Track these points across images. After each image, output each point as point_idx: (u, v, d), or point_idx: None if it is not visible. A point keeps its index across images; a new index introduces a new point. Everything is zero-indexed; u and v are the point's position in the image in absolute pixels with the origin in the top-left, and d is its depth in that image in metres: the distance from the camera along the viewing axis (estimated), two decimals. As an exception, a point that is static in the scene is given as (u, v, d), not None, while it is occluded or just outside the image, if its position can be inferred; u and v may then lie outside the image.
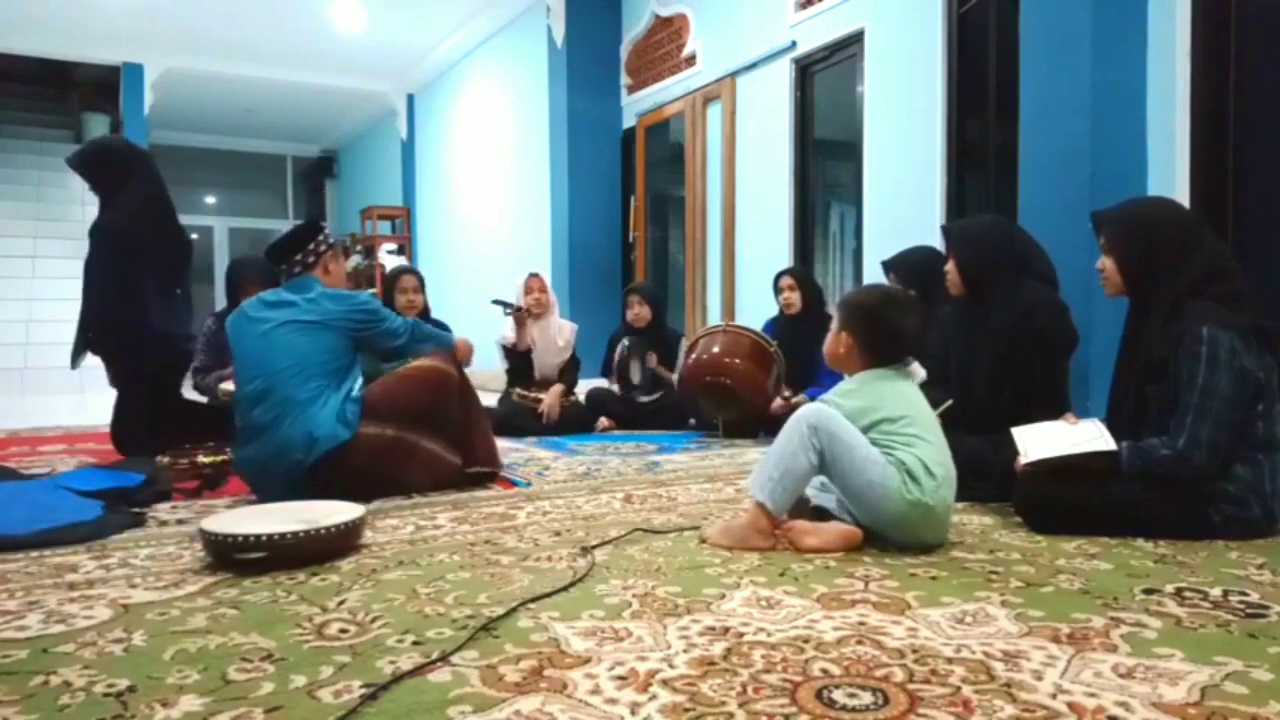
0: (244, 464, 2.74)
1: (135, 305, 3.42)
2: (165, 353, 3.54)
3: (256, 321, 2.72)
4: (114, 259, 3.43)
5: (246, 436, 2.70)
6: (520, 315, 4.72)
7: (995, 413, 2.59)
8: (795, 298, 4.55)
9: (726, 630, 1.48)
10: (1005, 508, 2.40)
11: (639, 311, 4.94)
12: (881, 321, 2.14)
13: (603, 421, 4.78)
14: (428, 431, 2.82)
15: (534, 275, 4.87)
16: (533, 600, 1.64)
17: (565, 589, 1.72)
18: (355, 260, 11.08)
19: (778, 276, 4.68)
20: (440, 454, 2.87)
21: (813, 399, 4.10)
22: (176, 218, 3.71)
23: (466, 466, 2.94)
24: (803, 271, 4.91)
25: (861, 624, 1.51)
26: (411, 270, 4.59)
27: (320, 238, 2.90)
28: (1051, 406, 2.57)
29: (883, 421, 2.07)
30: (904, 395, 2.12)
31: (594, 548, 2.05)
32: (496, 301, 4.77)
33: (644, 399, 4.88)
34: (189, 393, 3.88)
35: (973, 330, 2.74)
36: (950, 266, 2.80)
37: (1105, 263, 2.34)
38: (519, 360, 4.78)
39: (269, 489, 2.62)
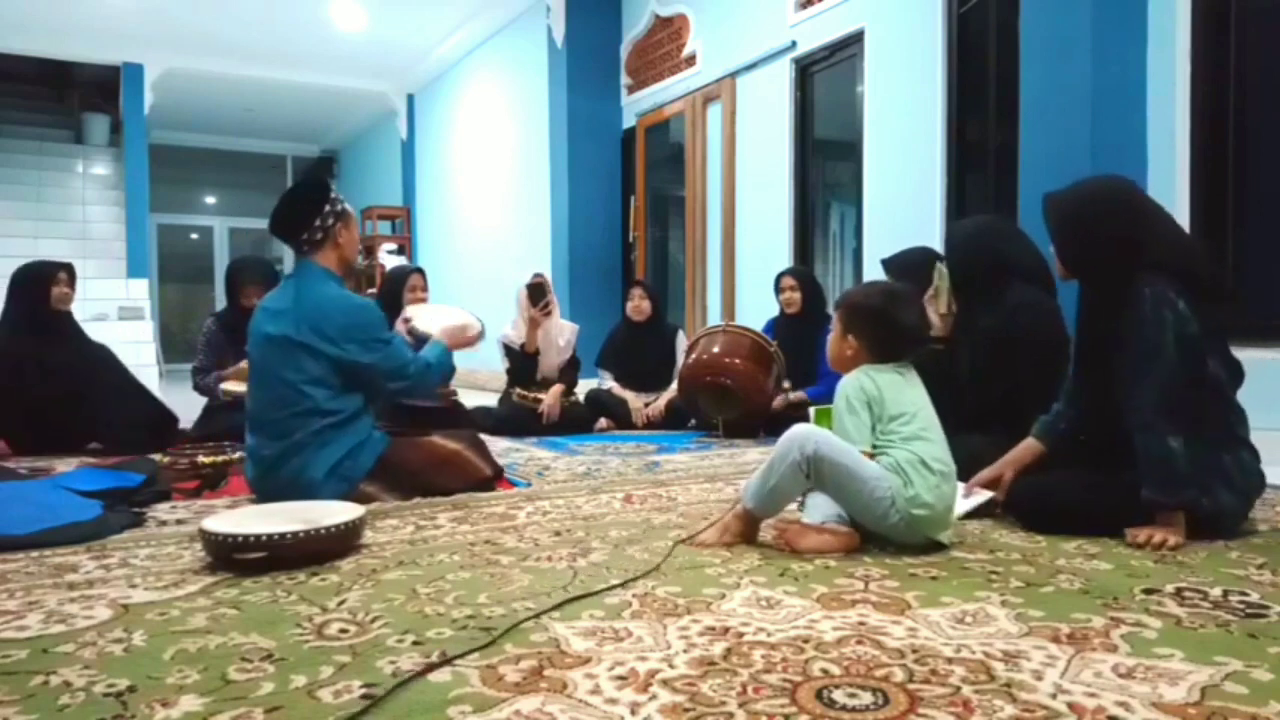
0: None
1: None
2: None
3: None
4: None
5: None
6: (534, 320, 4.73)
7: (987, 415, 2.60)
8: (796, 297, 4.57)
9: (726, 630, 1.48)
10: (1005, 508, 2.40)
11: (639, 304, 4.99)
12: (888, 321, 2.13)
13: (602, 422, 4.79)
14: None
15: (538, 275, 4.87)
16: (559, 605, 1.64)
17: (623, 584, 1.72)
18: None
19: (779, 276, 4.69)
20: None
21: (813, 399, 4.13)
22: None
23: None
24: (804, 272, 4.92)
25: (861, 624, 1.51)
26: (419, 269, 4.61)
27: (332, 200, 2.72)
28: (1046, 405, 2.58)
29: (885, 418, 2.06)
30: (905, 394, 2.10)
31: (642, 576, 2.04)
32: (507, 347, 4.77)
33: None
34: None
35: (964, 332, 2.75)
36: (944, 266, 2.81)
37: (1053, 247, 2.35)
38: (524, 361, 4.78)
39: None
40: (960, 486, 2.36)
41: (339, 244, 2.72)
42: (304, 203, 2.70)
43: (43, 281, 3.96)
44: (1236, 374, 2.21)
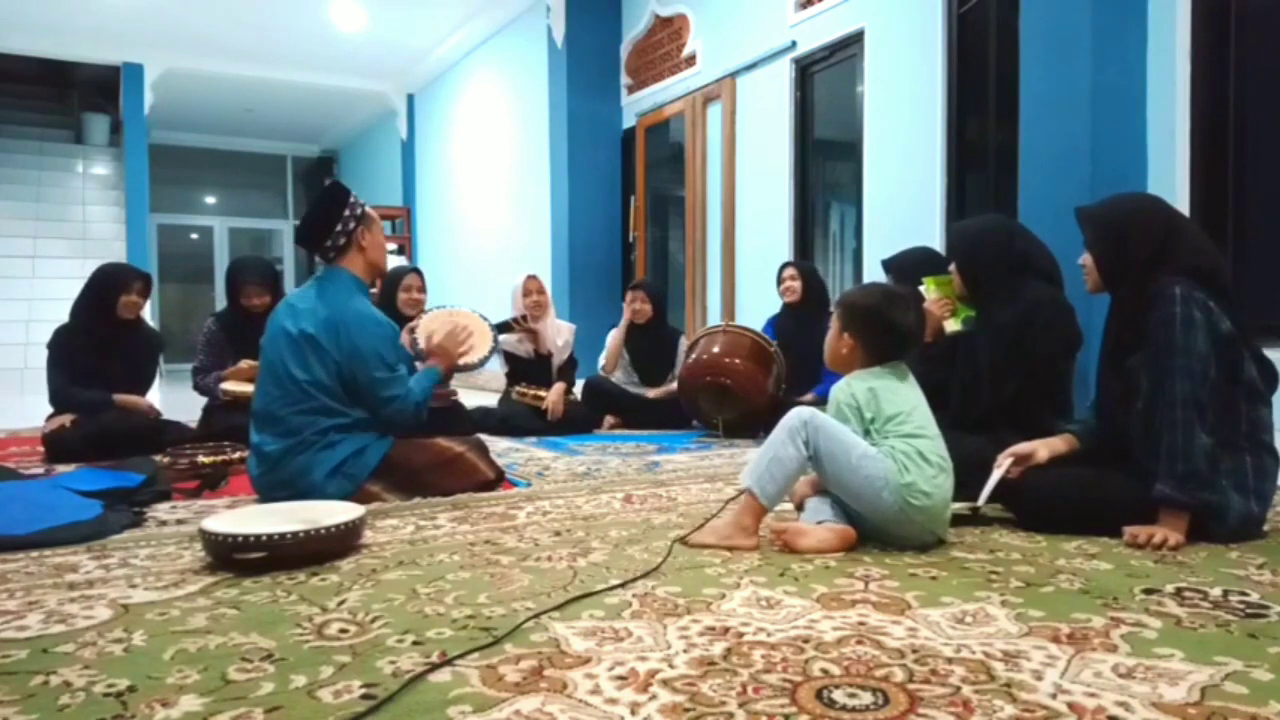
0: None
1: None
2: None
3: None
4: None
5: None
6: (521, 324, 4.73)
7: (998, 412, 2.59)
8: (797, 285, 4.56)
9: (726, 630, 1.48)
10: (1005, 508, 2.40)
11: (640, 308, 4.92)
12: (884, 321, 2.15)
13: (609, 420, 4.77)
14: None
15: (531, 277, 4.87)
16: (559, 605, 1.64)
17: (623, 585, 1.72)
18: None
19: (781, 267, 4.68)
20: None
21: (821, 397, 4.11)
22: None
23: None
24: (806, 265, 4.90)
25: (861, 624, 1.51)
26: (416, 269, 4.59)
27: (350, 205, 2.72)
28: (1053, 406, 2.57)
29: (880, 419, 2.09)
30: (900, 394, 2.13)
31: (639, 577, 2.04)
32: (500, 327, 4.76)
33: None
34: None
35: (976, 329, 2.74)
36: (953, 267, 2.80)
37: (1086, 258, 2.35)
38: (539, 366, 4.78)
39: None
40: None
41: (363, 248, 2.75)
42: (324, 211, 2.72)
43: (114, 287, 3.90)
44: (1270, 375, 2.19)
